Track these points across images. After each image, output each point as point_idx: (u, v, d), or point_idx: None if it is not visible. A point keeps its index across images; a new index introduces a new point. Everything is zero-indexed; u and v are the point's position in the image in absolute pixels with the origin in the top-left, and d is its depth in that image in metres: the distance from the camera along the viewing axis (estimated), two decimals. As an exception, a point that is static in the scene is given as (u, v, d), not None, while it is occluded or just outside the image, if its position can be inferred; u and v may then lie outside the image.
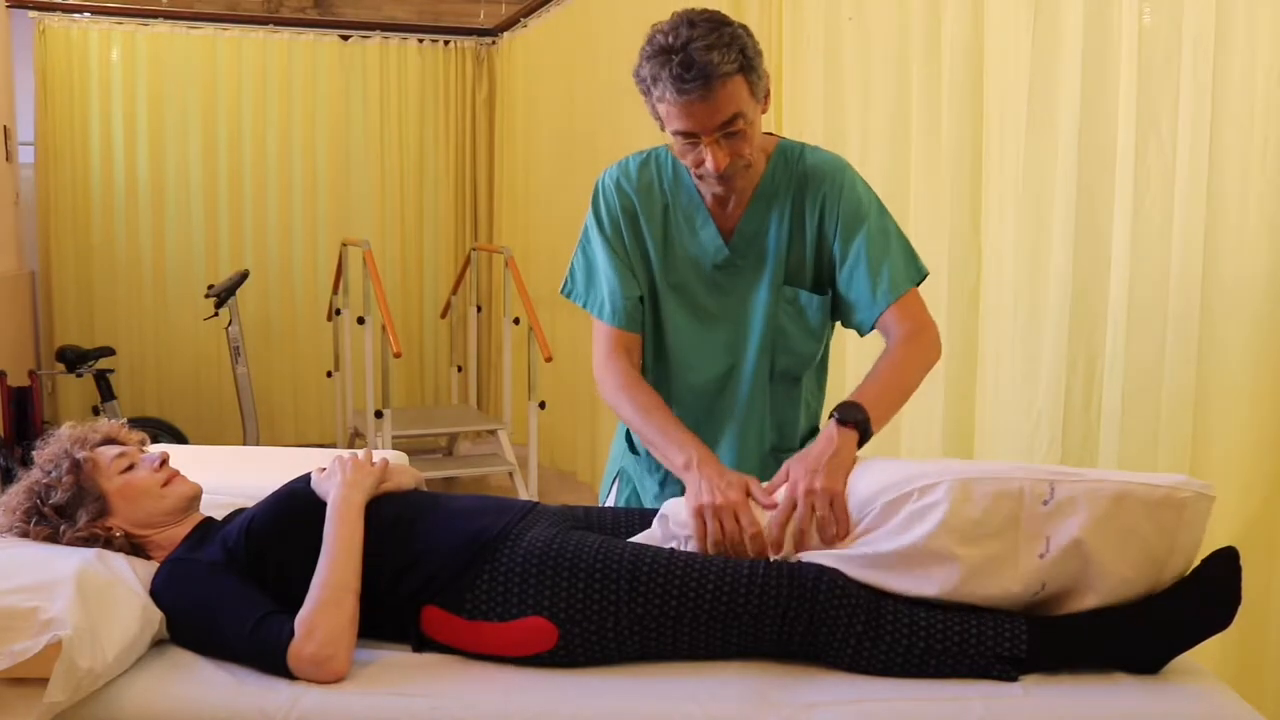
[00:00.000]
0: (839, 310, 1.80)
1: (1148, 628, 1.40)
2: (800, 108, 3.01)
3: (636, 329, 1.80)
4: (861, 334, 1.80)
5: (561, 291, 1.89)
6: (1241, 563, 1.41)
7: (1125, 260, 2.01)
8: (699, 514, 1.53)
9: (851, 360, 2.62)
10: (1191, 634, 1.41)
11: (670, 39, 1.55)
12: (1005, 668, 1.39)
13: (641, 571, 1.47)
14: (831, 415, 1.57)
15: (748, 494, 1.54)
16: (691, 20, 1.56)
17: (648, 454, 1.88)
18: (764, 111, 1.66)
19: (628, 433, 1.94)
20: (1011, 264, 2.27)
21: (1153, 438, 1.99)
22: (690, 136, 1.60)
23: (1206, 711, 1.36)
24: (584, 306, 1.84)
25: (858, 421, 1.55)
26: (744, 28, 1.59)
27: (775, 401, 1.83)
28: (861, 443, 1.56)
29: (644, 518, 1.71)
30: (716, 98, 1.55)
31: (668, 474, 1.80)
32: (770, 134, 1.79)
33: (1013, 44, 2.23)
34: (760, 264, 1.77)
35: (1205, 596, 1.40)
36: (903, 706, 1.36)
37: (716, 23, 1.57)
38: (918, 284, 1.76)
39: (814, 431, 1.91)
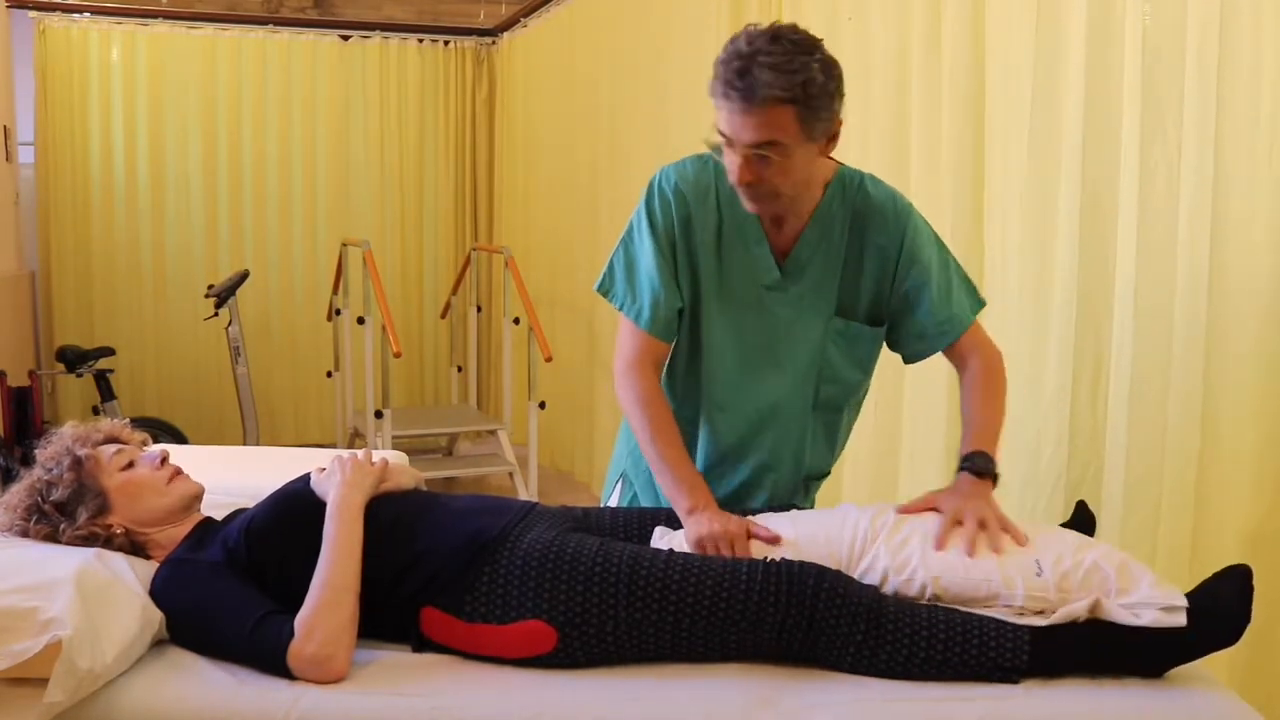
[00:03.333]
0: (898, 341, 1.79)
1: (1151, 641, 1.39)
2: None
3: (670, 340, 1.75)
4: (910, 361, 1.81)
5: (597, 288, 1.80)
6: (1261, 591, 1.40)
7: (1130, 261, 2.01)
8: (699, 545, 1.56)
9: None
10: (1197, 650, 1.40)
11: (746, 44, 1.51)
12: (1006, 675, 1.39)
13: (640, 575, 1.47)
14: (964, 467, 1.63)
15: (748, 533, 1.58)
16: (777, 35, 1.52)
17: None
18: (824, 153, 1.62)
19: (625, 471, 1.93)
20: (1016, 265, 2.26)
21: (1159, 439, 1.98)
22: (729, 139, 1.57)
23: (1208, 712, 1.36)
24: (619, 307, 1.76)
25: (988, 470, 1.63)
26: (827, 65, 1.53)
27: (815, 429, 1.81)
28: (994, 484, 1.63)
29: (642, 518, 1.71)
30: (755, 117, 1.51)
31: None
32: (832, 159, 1.73)
33: (1014, 44, 2.23)
34: (812, 291, 1.74)
35: (1213, 613, 1.38)
36: (903, 707, 1.36)
37: (800, 48, 1.51)
38: (978, 313, 1.79)
39: (835, 463, 1.90)
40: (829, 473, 1.91)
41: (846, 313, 1.75)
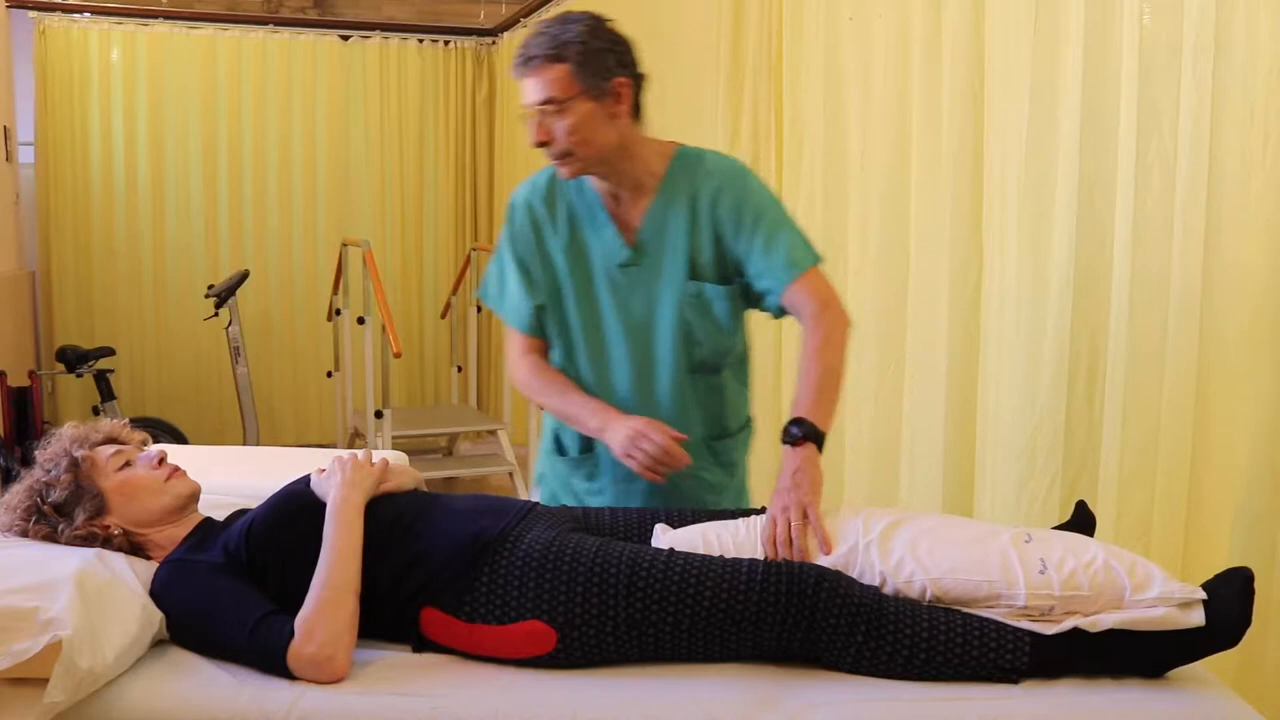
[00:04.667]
0: (752, 298, 1.89)
1: (1151, 643, 1.39)
2: (800, 108, 3.01)
3: (540, 335, 1.94)
4: (776, 316, 1.89)
5: (479, 295, 2.05)
6: (1257, 588, 1.39)
7: (1127, 260, 2.01)
8: (626, 455, 1.72)
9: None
10: (1197, 651, 1.40)
11: (539, 26, 1.75)
12: (1006, 676, 1.39)
13: (639, 576, 1.47)
14: (785, 439, 1.66)
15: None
16: (567, 16, 1.75)
17: (573, 457, 1.98)
18: (614, 113, 1.76)
19: (555, 437, 2.03)
20: (1014, 264, 2.27)
21: (1154, 436, 1.99)
22: (525, 109, 1.76)
23: (1208, 712, 1.36)
24: (497, 312, 1.98)
25: (806, 436, 1.65)
26: (597, 30, 1.74)
27: (699, 393, 1.91)
28: (820, 448, 1.66)
29: (642, 518, 1.71)
30: (532, 78, 1.74)
31: (593, 471, 1.95)
32: (673, 141, 1.91)
33: (1013, 44, 2.23)
34: (662, 261, 1.86)
35: (1214, 615, 1.38)
36: (903, 707, 1.36)
37: (571, 17, 1.74)
38: (816, 265, 1.85)
39: (746, 420, 2.01)
40: (738, 431, 1.99)
41: (699, 275, 1.86)
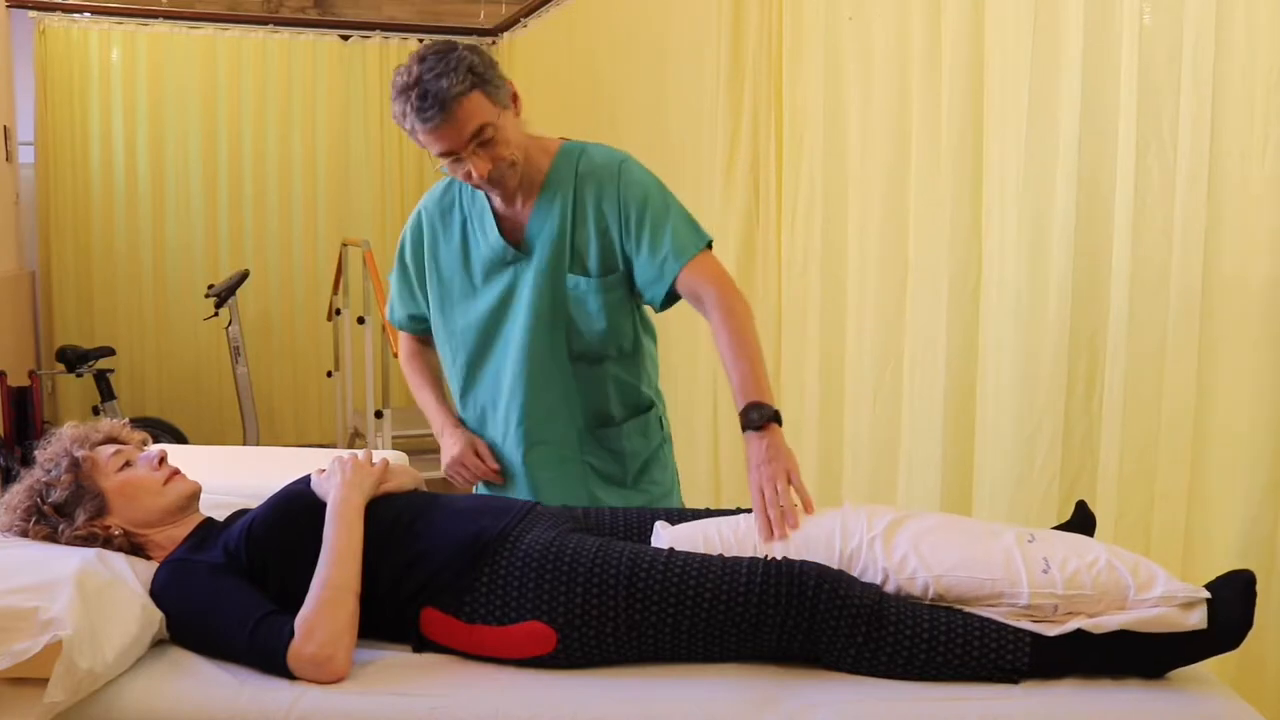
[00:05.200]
0: (639, 288, 1.93)
1: (1152, 644, 1.39)
2: (800, 108, 3.01)
3: (414, 334, 2.17)
4: (657, 308, 1.95)
5: (387, 276, 2.21)
6: (1258, 587, 1.39)
7: (1126, 260, 2.01)
8: (449, 473, 2.03)
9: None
10: (1198, 652, 1.40)
11: (406, 77, 1.73)
12: (1006, 676, 1.39)
13: (639, 576, 1.47)
14: (746, 425, 1.69)
15: (474, 450, 2.01)
16: (421, 56, 1.74)
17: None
18: (517, 114, 1.84)
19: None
20: (1013, 264, 2.27)
21: (1154, 436, 1.98)
22: (451, 155, 1.77)
23: (1208, 712, 1.36)
24: (389, 315, 2.19)
25: (767, 418, 1.68)
26: (471, 48, 1.77)
27: (581, 382, 1.98)
28: (779, 424, 1.70)
29: (642, 518, 1.71)
30: (457, 118, 1.72)
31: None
32: (558, 138, 1.97)
33: (1013, 44, 2.23)
34: (545, 256, 1.92)
35: (1215, 617, 1.37)
36: (903, 707, 1.36)
37: (443, 51, 1.74)
38: (705, 247, 1.89)
39: (635, 410, 2.05)
40: (625, 420, 2.03)
41: (579, 269, 1.92)
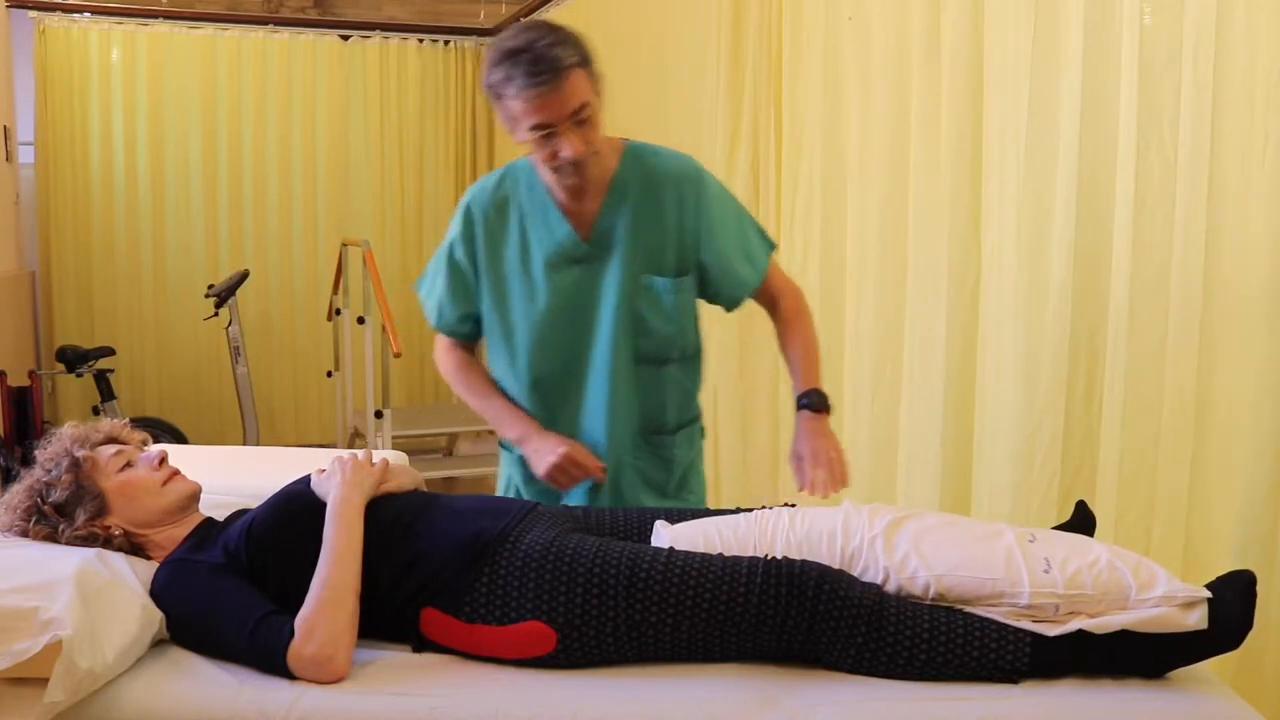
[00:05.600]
0: (714, 293, 1.97)
1: (1152, 644, 1.39)
2: (800, 108, 3.01)
3: (461, 339, 2.04)
4: (729, 309, 2.01)
5: (414, 286, 2.11)
6: (1258, 588, 1.39)
7: (1126, 260, 2.01)
8: (551, 478, 1.84)
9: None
10: (1199, 653, 1.40)
11: (513, 43, 1.71)
12: (1006, 677, 1.39)
13: (639, 576, 1.47)
14: (806, 405, 1.86)
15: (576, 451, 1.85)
16: (525, 27, 1.74)
17: (525, 465, 1.99)
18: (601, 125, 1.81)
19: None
20: (1012, 264, 2.27)
21: (1155, 437, 1.98)
22: (545, 128, 1.73)
23: (1208, 712, 1.36)
24: (423, 304, 2.07)
25: (828, 408, 1.86)
26: (575, 32, 1.78)
27: (642, 383, 1.94)
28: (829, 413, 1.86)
29: (642, 518, 1.71)
30: (564, 89, 1.70)
31: (541, 484, 1.96)
32: (619, 137, 1.94)
33: (1013, 44, 2.23)
34: (615, 254, 1.89)
35: (1215, 617, 1.37)
36: (903, 707, 1.36)
37: (551, 27, 1.74)
38: (773, 253, 2.00)
39: (688, 418, 2.04)
40: (678, 429, 2.01)
41: (652, 269, 1.90)
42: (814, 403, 1.85)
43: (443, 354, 2.05)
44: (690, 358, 2.01)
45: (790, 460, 1.81)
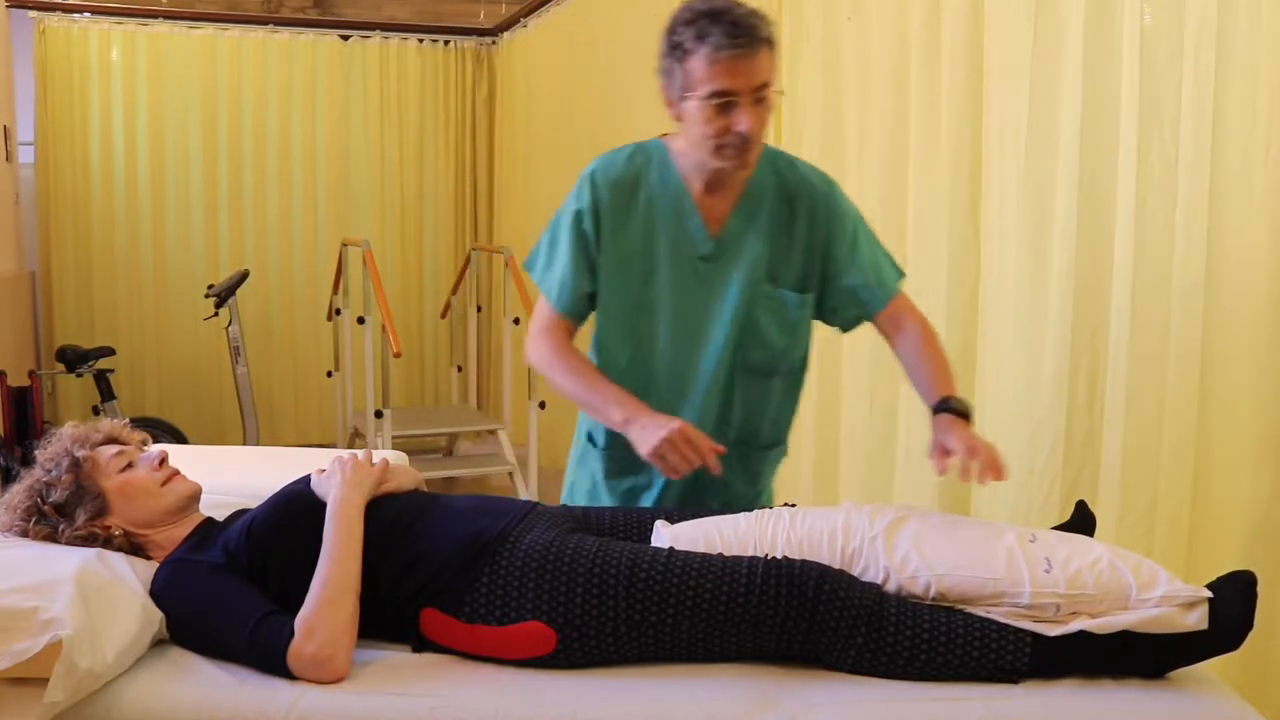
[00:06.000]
0: (832, 309, 1.89)
1: (1152, 644, 1.39)
2: (799, 107, 3.01)
3: (577, 319, 1.89)
4: (846, 330, 1.92)
5: (524, 265, 1.97)
6: (1259, 588, 1.39)
7: (1128, 261, 2.01)
8: (656, 456, 1.65)
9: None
10: (1199, 653, 1.40)
11: (714, 5, 1.64)
12: (1007, 677, 1.39)
13: (639, 576, 1.47)
14: (949, 409, 1.69)
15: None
16: (742, 2, 1.66)
17: (609, 461, 1.92)
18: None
19: (589, 433, 1.99)
20: (1013, 265, 2.27)
21: (1155, 437, 1.98)
22: (726, 96, 1.64)
23: (1208, 712, 1.36)
24: (538, 284, 1.91)
25: (970, 414, 1.71)
26: None
27: (743, 394, 1.88)
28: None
29: (642, 518, 1.71)
30: (758, 59, 1.64)
31: (626, 482, 1.91)
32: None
33: (1013, 44, 2.23)
34: (741, 261, 1.82)
35: (1216, 618, 1.37)
36: (903, 707, 1.36)
37: (746, 6, 1.67)
38: (902, 280, 1.91)
39: (781, 436, 1.97)
40: (771, 446, 1.95)
41: (776, 279, 1.84)
42: (955, 406, 1.70)
43: (541, 337, 1.87)
44: (795, 373, 1.94)
45: (931, 454, 1.65)
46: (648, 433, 1.68)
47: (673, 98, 1.72)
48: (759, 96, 1.66)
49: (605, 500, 1.96)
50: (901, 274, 1.90)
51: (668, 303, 1.84)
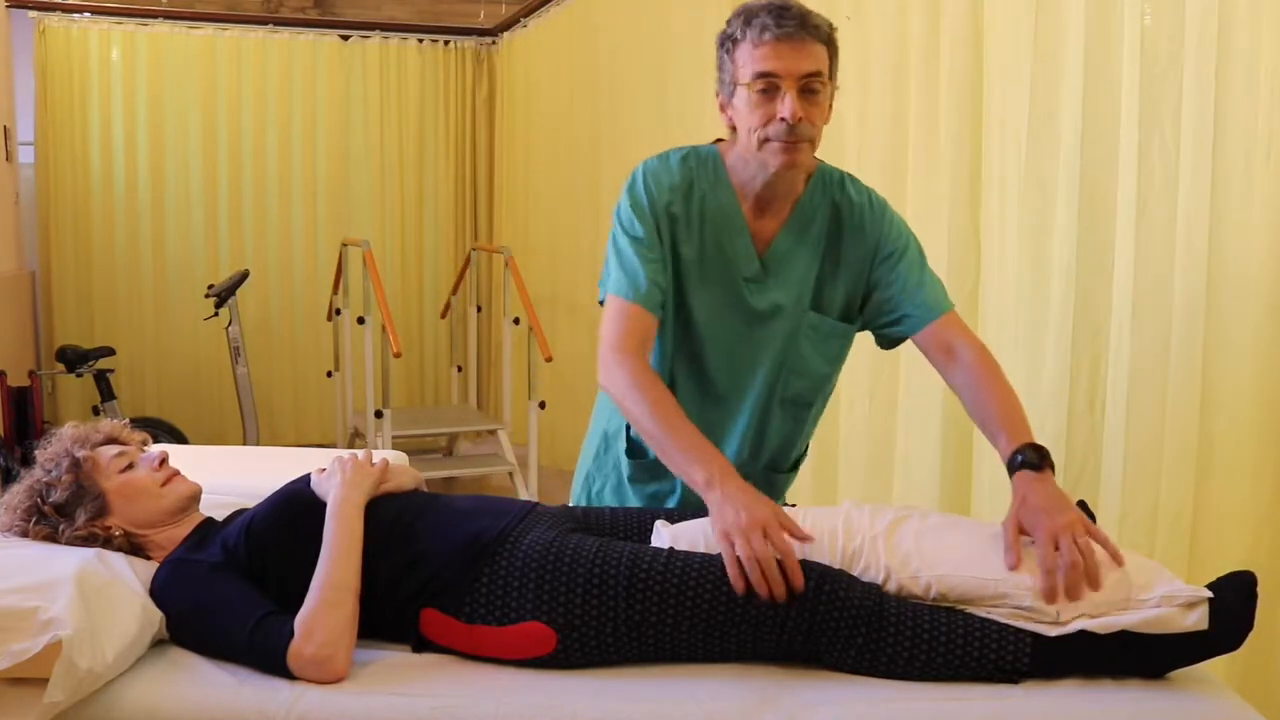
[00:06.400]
0: (878, 325, 1.80)
1: (1152, 645, 1.39)
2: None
3: (657, 314, 1.70)
4: (890, 347, 1.83)
5: (601, 298, 1.76)
6: (1259, 589, 1.38)
7: (1129, 262, 2.01)
8: (726, 538, 1.44)
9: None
10: (1198, 653, 1.39)
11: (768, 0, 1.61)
12: (1007, 677, 1.39)
13: (639, 576, 1.46)
14: (1023, 464, 1.53)
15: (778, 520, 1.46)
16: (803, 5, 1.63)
17: (634, 468, 1.86)
18: (825, 121, 1.67)
19: (627, 436, 1.89)
20: (1013, 264, 2.26)
21: (1157, 438, 1.98)
22: (770, 78, 1.59)
23: (1208, 712, 1.35)
24: (613, 293, 1.71)
25: (1047, 462, 1.54)
26: None
27: (782, 421, 1.83)
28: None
29: (642, 518, 1.70)
30: (807, 44, 1.59)
31: (651, 488, 1.85)
32: (817, 158, 1.78)
33: (1013, 43, 2.23)
34: (790, 284, 1.76)
35: (1216, 618, 1.37)
36: (903, 706, 1.36)
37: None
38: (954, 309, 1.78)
39: (800, 458, 1.93)
40: (795, 467, 1.92)
41: (821, 308, 1.78)
42: (1032, 459, 1.52)
43: (616, 358, 1.65)
44: (827, 396, 1.89)
45: (1006, 531, 1.47)
46: (729, 511, 1.45)
47: (725, 98, 1.68)
48: (808, 86, 1.60)
49: (632, 501, 1.90)
50: (950, 304, 1.77)
51: (712, 323, 1.76)
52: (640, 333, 1.68)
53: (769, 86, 1.60)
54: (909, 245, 1.78)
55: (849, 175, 1.81)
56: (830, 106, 1.67)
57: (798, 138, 1.62)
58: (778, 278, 1.76)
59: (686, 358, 1.79)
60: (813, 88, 1.61)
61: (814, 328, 1.78)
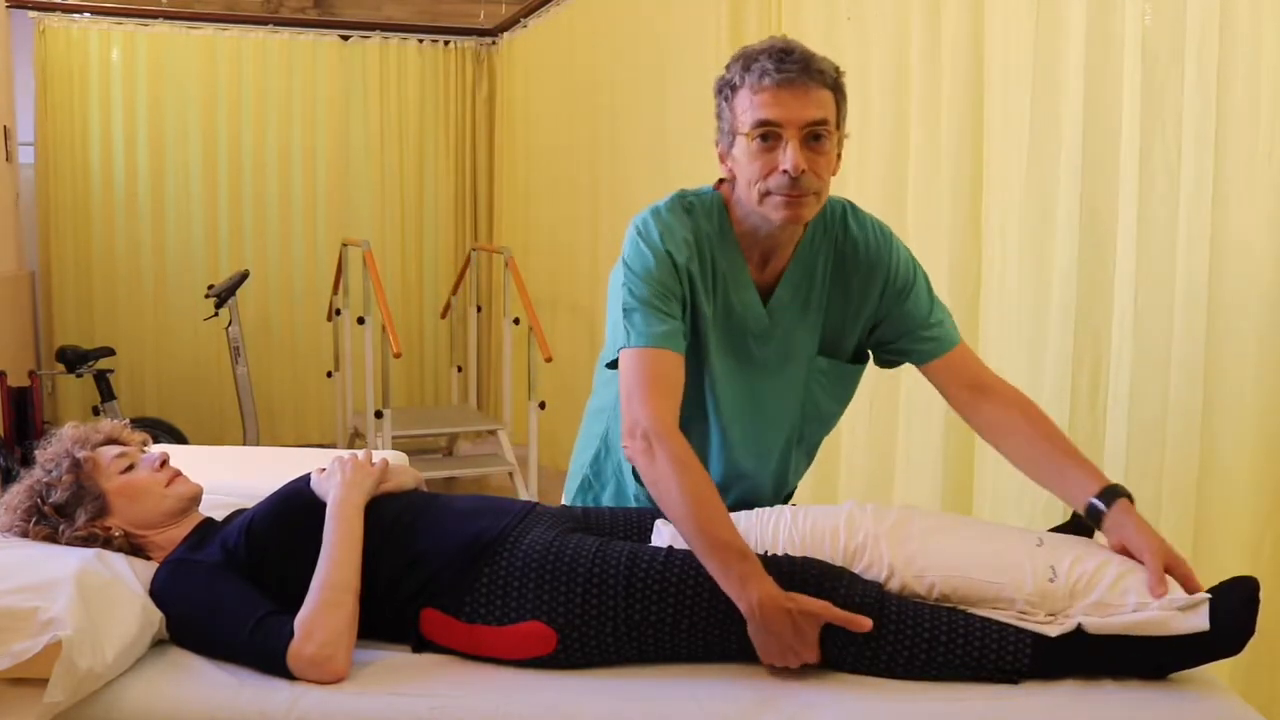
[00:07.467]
0: (885, 355, 1.77)
1: (1153, 648, 1.39)
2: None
3: (681, 353, 1.57)
4: (887, 366, 1.79)
5: (607, 365, 1.66)
6: (1260, 594, 1.38)
7: (1130, 261, 2.01)
8: (762, 640, 1.40)
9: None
10: (1199, 657, 1.39)
11: (768, 44, 1.53)
12: (1007, 677, 1.39)
13: (638, 576, 1.47)
14: (1120, 495, 1.50)
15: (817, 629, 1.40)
16: (785, 40, 1.55)
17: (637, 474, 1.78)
18: (834, 172, 1.58)
19: (604, 438, 1.84)
20: (1015, 266, 2.26)
21: (1159, 444, 1.98)
22: (770, 127, 1.50)
23: (1208, 713, 1.35)
24: (622, 352, 1.58)
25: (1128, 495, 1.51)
26: None
27: (797, 463, 1.83)
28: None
29: (642, 518, 1.70)
30: (811, 90, 1.50)
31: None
32: None
33: (1013, 45, 2.23)
34: (795, 333, 1.70)
35: (1217, 622, 1.36)
36: (903, 706, 1.36)
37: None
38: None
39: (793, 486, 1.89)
40: (790, 496, 1.91)
41: (830, 351, 1.73)
42: (1124, 492, 1.50)
43: (653, 422, 1.49)
44: (830, 430, 1.86)
45: (1153, 563, 1.41)
46: (771, 642, 1.40)
47: (724, 148, 1.58)
48: (812, 135, 1.50)
49: (633, 504, 1.85)
50: (960, 336, 1.73)
51: (725, 378, 1.68)
52: (668, 384, 1.55)
53: (770, 135, 1.51)
54: (917, 277, 1.72)
55: (850, 207, 1.73)
56: (839, 156, 1.58)
57: (801, 191, 1.51)
58: (782, 327, 1.69)
59: (709, 425, 1.71)
60: (817, 135, 1.51)
61: (824, 373, 1.73)
